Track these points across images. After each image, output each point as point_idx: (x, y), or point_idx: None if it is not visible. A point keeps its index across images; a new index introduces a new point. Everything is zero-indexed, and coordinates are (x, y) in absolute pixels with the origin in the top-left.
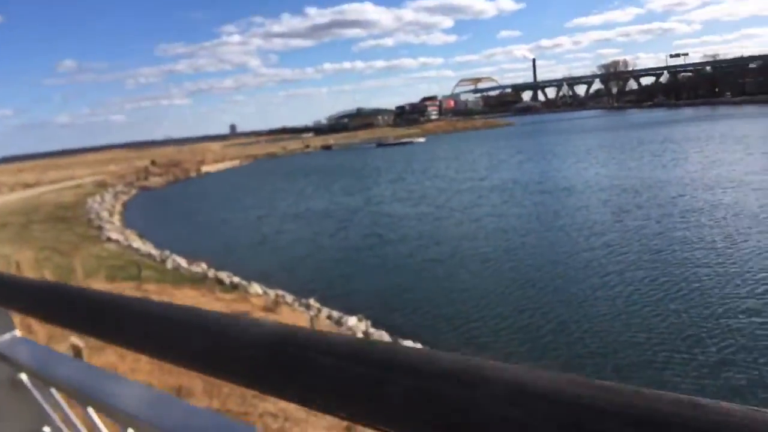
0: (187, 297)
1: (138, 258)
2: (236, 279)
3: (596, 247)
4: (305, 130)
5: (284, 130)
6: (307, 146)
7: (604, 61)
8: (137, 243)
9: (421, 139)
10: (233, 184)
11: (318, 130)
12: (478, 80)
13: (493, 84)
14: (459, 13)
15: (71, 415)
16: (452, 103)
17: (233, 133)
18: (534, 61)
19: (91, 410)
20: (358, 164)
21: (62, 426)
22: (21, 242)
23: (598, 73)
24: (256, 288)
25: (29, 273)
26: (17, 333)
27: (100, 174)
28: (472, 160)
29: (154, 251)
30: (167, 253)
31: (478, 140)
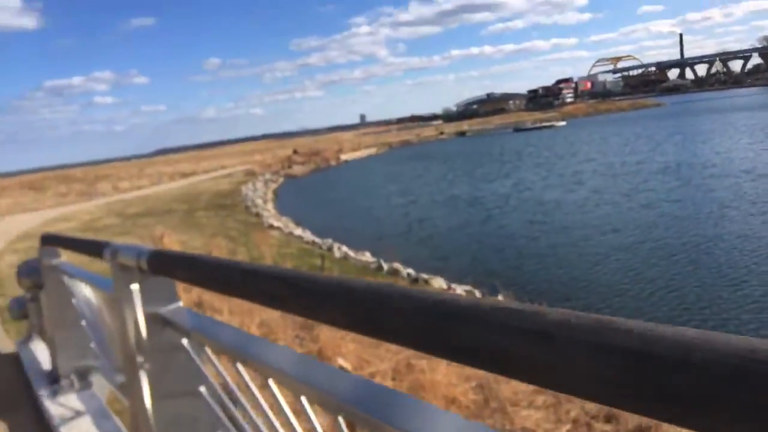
0: None
1: (304, 246)
2: (410, 271)
3: None
4: (434, 117)
5: (413, 118)
6: (441, 133)
7: (761, 34)
8: (298, 230)
9: (562, 123)
10: (373, 171)
11: (448, 117)
12: (617, 59)
13: (635, 63)
14: None
15: (225, 374)
16: (589, 84)
17: (363, 123)
18: (681, 36)
19: (240, 367)
20: (497, 150)
21: (216, 384)
22: (190, 228)
23: (758, 46)
24: (439, 282)
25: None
26: (180, 303)
27: (247, 163)
28: (623, 143)
29: (317, 239)
30: (329, 241)
31: (626, 122)
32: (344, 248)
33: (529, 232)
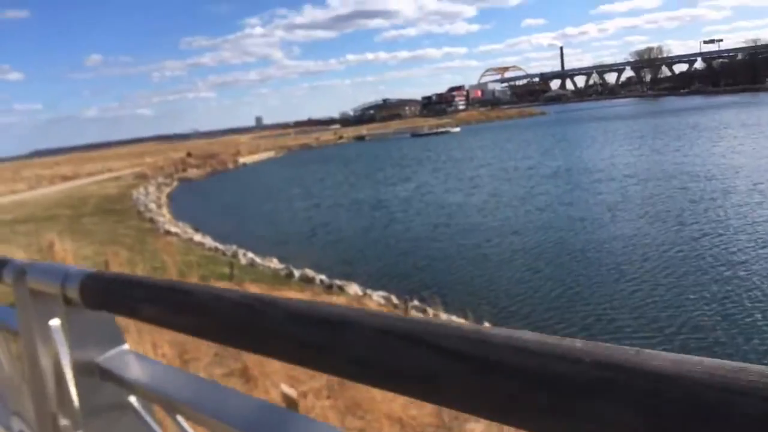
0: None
1: (206, 252)
2: (323, 277)
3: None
4: (332, 122)
5: (311, 122)
6: (341, 137)
7: (632, 49)
8: (198, 236)
9: (456, 129)
10: (273, 174)
11: (345, 121)
12: (505, 69)
13: (521, 73)
14: (482, 2)
15: None
16: (479, 92)
17: (259, 126)
18: (561, 49)
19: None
20: (396, 154)
21: None
22: (78, 236)
23: (630, 60)
24: (354, 288)
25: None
26: (126, 347)
27: (137, 166)
28: (515, 149)
29: (220, 245)
30: (233, 247)
31: (516, 129)
32: (250, 254)
33: (433, 234)
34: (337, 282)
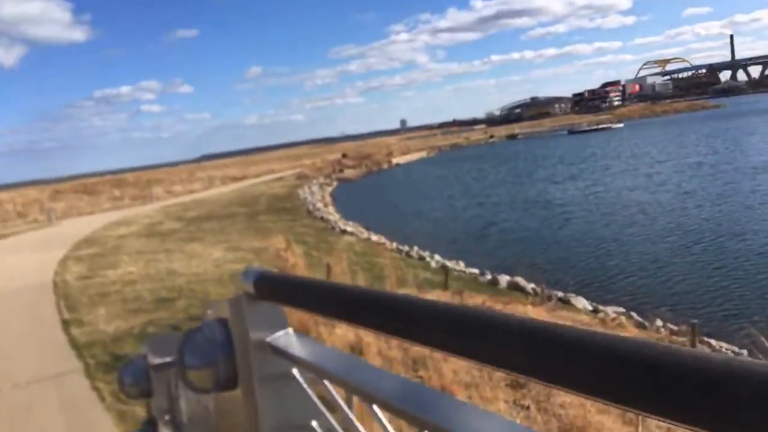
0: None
1: (394, 254)
2: (532, 285)
3: None
4: (476, 122)
5: (455, 123)
6: (492, 136)
7: None
8: (374, 236)
9: (619, 125)
10: (428, 173)
11: (491, 121)
12: (666, 62)
13: (684, 65)
14: None
15: (344, 406)
16: (637, 87)
17: (404, 128)
18: (732, 37)
19: (356, 400)
20: (556, 152)
21: (330, 418)
22: (258, 233)
23: None
24: (582, 302)
25: (340, 278)
26: (290, 330)
27: (297, 167)
28: (694, 143)
29: (401, 247)
30: (415, 248)
31: (688, 123)
32: (437, 257)
33: (628, 237)
34: (558, 293)
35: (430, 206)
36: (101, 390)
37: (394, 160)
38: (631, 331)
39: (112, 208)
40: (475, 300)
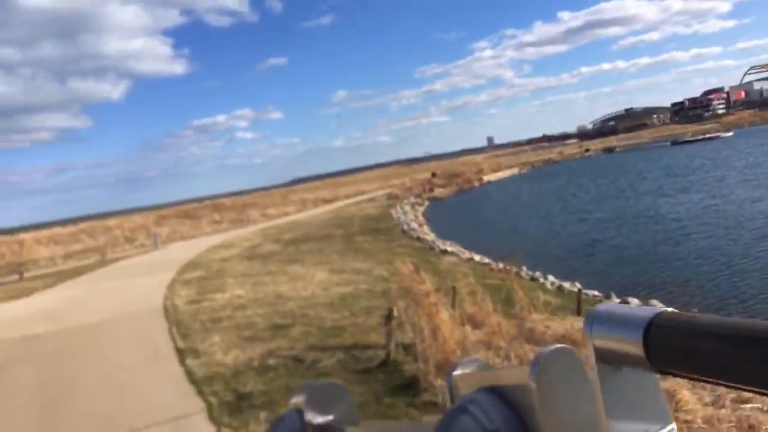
0: None
1: (493, 273)
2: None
3: None
4: (567, 136)
5: (544, 138)
6: (587, 150)
7: None
8: (476, 256)
9: (728, 134)
10: (521, 190)
11: (583, 135)
12: None
13: None
14: None
15: None
16: (743, 93)
17: (491, 145)
18: None
19: None
20: (659, 164)
21: None
22: (357, 254)
23: None
24: None
25: (467, 302)
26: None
27: (386, 188)
28: None
29: (508, 266)
30: (524, 269)
31: None
32: (551, 277)
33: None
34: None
35: (528, 224)
36: None
37: (485, 178)
38: None
39: (212, 232)
40: None
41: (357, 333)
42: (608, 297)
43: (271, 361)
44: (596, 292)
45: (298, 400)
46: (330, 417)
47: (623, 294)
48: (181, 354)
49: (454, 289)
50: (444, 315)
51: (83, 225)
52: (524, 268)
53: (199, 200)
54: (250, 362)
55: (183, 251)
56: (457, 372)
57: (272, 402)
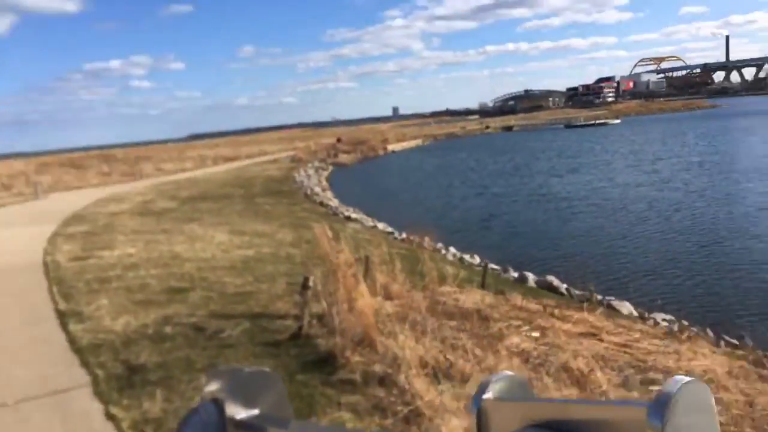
0: (614, 333)
1: (399, 244)
2: (565, 287)
3: None
4: (469, 112)
5: (448, 112)
6: (487, 127)
7: None
8: (380, 225)
9: (616, 120)
10: (425, 162)
11: (484, 112)
12: (661, 59)
13: (679, 64)
14: None
15: None
16: (631, 84)
17: (396, 116)
18: (727, 38)
19: None
20: (553, 145)
21: None
22: (259, 217)
23: None
24: (628, 307)
25: (379, 270)
26: None
27: (290, 150)
28: (700, 141)
29: (411, 236)
30: (426, 239)
31: (687, 121)
32: (452, 249)
33: (648, 235)
34: (597, 296)
35: (429, 195)
36: (119, 419)
37: (390, 147)
38: (702, 346)
39: (100, 184)
40: (521, 303)
41: (263, 300)
42: (506, 271)
43: (168, 329)
44: (495, 266)
45: (215, 388)
46: (256, 411)
47: (519, 268)
48: (63, 317)
49: (367, 258)
50: (362, 286)
51: None
52: (426, 238)
53: (87, 149)
54: (144, 329)
55: (67, 203)
56: (487, 396)
57: (170, 377)
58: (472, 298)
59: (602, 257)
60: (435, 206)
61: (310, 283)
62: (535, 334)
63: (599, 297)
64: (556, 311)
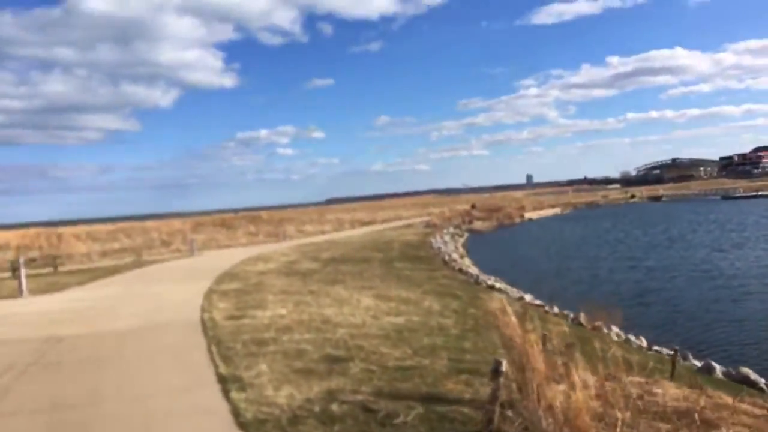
0: None
1: (552, 318)
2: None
3: None
4: (609, 181)
5: (586, 181)
6: (633, 196)
7: None
8: (527, 296)
9: None
10: (564, 230)
11: (626, 181)
12: None
13: None
14: None
15: None
16: None
17: (530, 183)
18: None
19: None
20: (709, 217)
21: None
22: (400, 282)
23: None
24: None
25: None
26: None
27: (424, 215)
28: None
29: (565, 311)
30: (582, 316)
31: None
32: (615, 329)
33: None
34: None
35: (572, 265)
36: None
37: (527, 215)
38: None
39: (248, 243)
40: (733, 402)
41: (429, 379)
42: (685, 358)
43: (335, 408)
44: (666, 350)
45: None
46: None
47: (699, 355)
48: (224, 383)
49: (544, 336)
50: (574, 377)
51: (122, 225)
52: (582, 314)
53: (236, 211)
54: (309, 405)
55: (219, 260)
56: None
57: None
58: (671, 393)
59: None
60: (582, 278)
61: (503, 368)
62: None
63: None
64: None
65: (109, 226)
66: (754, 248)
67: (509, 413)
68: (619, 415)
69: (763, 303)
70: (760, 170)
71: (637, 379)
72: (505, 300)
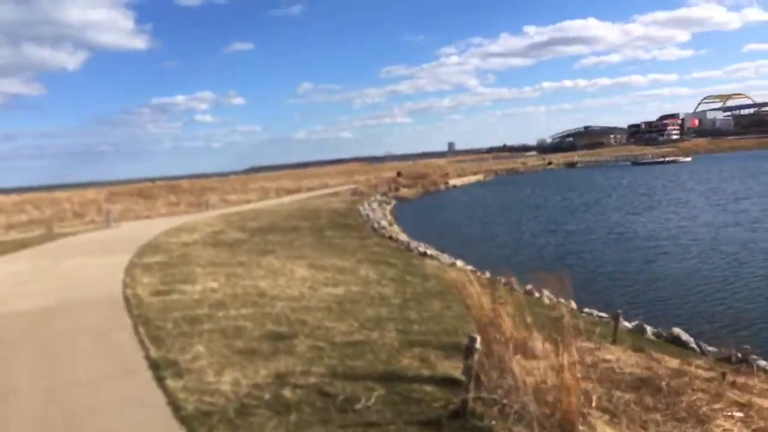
0: None
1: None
2: (712, 348)
3: None
4: (527, 149)
5: (505, 148)
6: (549, 163)
7: None
8: (458, 262)
9: (687, 158)
10: (487, 197)
11: (542, 148)
12: (727, 97)
13: (747, 102)
14: (696, 26)
15: None
16: (696, 121)
17: (451, 151)
18: None
19: None
20: (622, 182)
21: None
22: (332, 250)
23: None
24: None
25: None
26: None
27: (350, 183)
28: None
29: (494, 276)
30: (513, 280)
31: (765, 159)
32: (546, 292)
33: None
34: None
35: (498, 231)
36: None
37: (451, 182)
38: None
39: (169, 213)
40: (680, 366)
41: (381, 354)
42: (616, 318)
43: (287, 393)
44: (597, 312)
45: None
46: None
47: (628, 316)
48: (156, 368)
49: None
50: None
51: (29, 196)
52: (513, 279)
53: (154, 180)
54: (258, 392)
55: (139, 231)
56: None
57: None
58: (624, 358)
59: (714, 304)
60: (507, 243)
61: (477, 346)
62: (737, 413)
63: (755, 357)
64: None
65: (14, 197)
66: (665, 211)
67: (483, 394)
68: (590, 386)
69: (677, 262)
70: (665, 137)
71: (586, 344)
72: (465, 270)
